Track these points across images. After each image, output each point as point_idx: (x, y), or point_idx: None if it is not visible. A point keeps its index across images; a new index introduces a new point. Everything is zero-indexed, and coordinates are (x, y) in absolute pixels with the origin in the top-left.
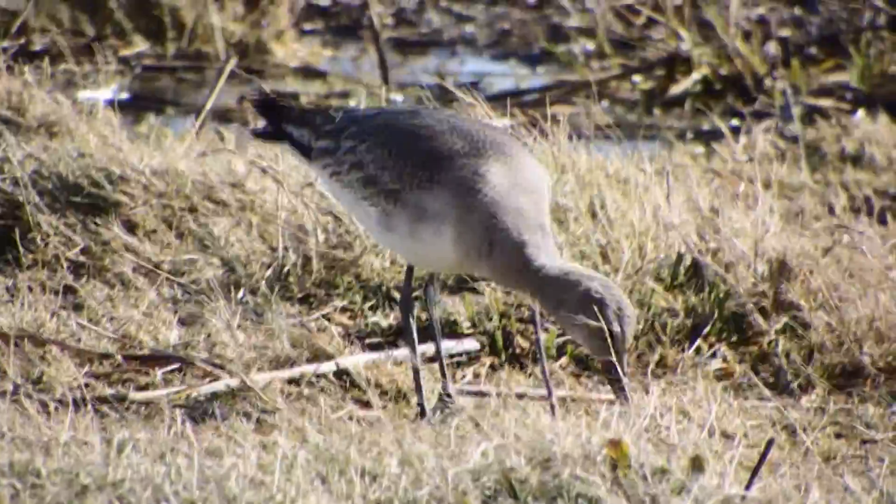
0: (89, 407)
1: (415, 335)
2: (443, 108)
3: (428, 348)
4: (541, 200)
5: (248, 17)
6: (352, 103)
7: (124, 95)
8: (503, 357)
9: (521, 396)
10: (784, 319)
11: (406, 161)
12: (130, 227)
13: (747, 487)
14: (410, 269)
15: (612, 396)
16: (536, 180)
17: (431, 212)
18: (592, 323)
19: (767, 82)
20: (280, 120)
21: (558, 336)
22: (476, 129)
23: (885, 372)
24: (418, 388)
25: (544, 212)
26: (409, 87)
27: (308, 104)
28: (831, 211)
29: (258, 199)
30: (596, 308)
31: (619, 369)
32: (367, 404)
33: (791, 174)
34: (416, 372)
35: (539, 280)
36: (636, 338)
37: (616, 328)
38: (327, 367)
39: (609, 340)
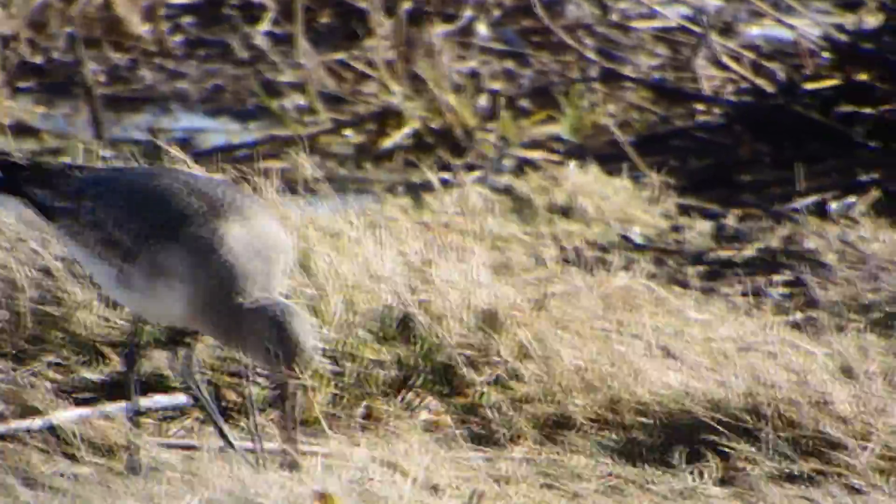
0: None
1: (133, 387)
2: (183, 169)
3: (145, 401)
4: (274, 264)
5: None
6: (66, 160)
7: None
8: None
9: (230, 449)
10: (493, 371)
11: (144, 221)
12: None
13: None
14: (136, 323)
15: (324, 449)
16: (273, 243)
17: (167, 270)
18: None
19: (478, 135)
20: (16, 177)
21: (270, 389)
22: (217, 189)
23: (594, 422)
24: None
25: (276, 276)
26: (122, 144)
27: (45, 163)
28: (542, 262)
29: None
30: (272, 324)
31: (287, 391)
32: (77, 460)
33: (502, 226)
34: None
35: (240, 317)
36: (345, 388)
37: (291, 344)
38: (37, 422)
39: (283, 359)
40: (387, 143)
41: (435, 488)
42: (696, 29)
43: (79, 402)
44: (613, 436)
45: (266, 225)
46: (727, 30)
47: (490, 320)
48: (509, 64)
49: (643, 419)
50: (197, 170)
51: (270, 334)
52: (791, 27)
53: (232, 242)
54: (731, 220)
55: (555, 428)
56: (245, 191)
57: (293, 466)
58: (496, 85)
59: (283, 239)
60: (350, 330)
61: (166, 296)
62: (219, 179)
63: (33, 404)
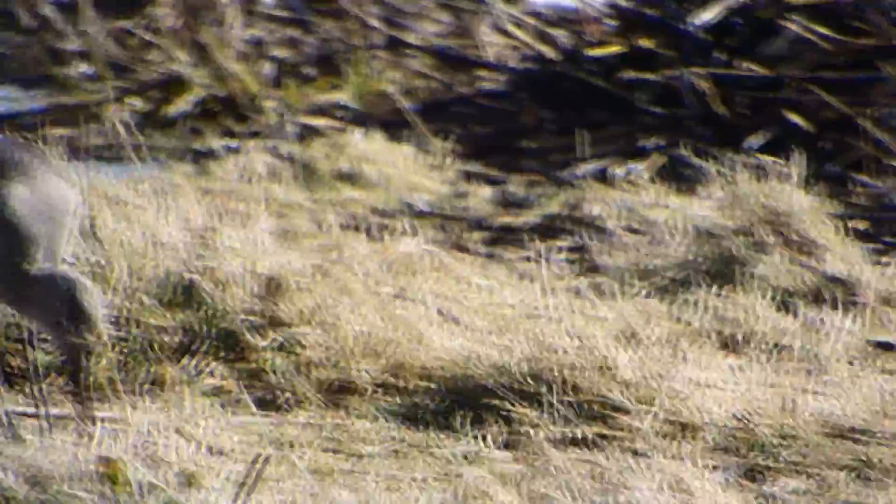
0: None
1: None
2: None
3: None
4: (61, 228)
5: None
6: None
7: None
8: None
9: (15, 415)
10: (277, 336)
11: None
12: None
13: (238, 503)
14: None
15: (109, 415)
16: (60, 204)
17: None
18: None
19: (263, 102)
20: None
21: (58, 356)
22: (4, 149)
23: (378, 387)
24: None
25: (63, 240)
26: None
27: None
28: (326, 228)
29: None
30: (60, 294)
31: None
32: None
33: (286, 193)
34: None
35: (26, 285)
36: (129, 354)
37: (80, 315)
38: None
39: (72, 328)
40: (171, 110)
41: (220, 452)
42: None
43: None
44: (397, 400)
45: (53, 186)
46: None
47: (273, 286)
48: (294, 31)
49: (426, 384)
50: None
51: (60, 305)
52: None
53: (15, 204)
54: (514, 187)
55: (339, 393)
56: (36, 151)
57: (80, 432)
58: (280, 52)
59: (71, 200)
60: (134, 296)
61: None
62: (5, 138)
63: None
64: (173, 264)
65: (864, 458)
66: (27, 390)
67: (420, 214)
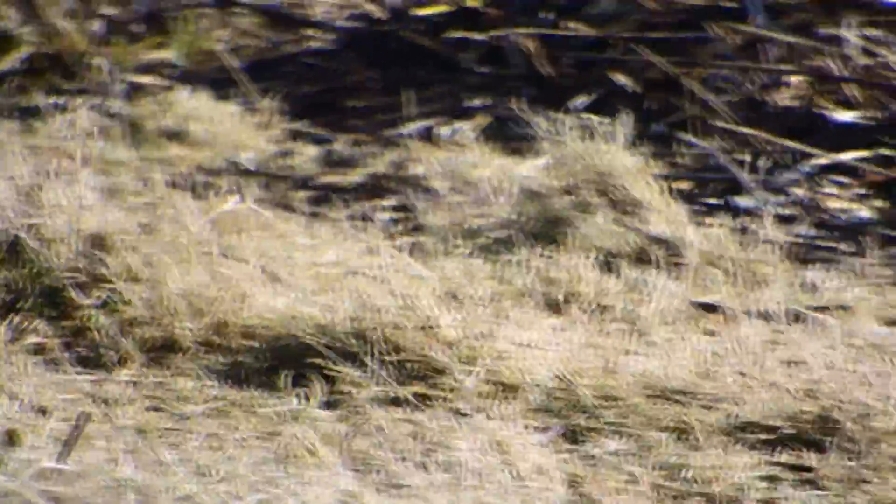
0: None
1: None
2: None
3: None
4: None
5: None
6: None
7: None
8: None
9: None
10: (101, 294)
11: None
12: None
13: (61, 460)
14: None
15: None
16: None
17: None
18: None
19: (91, 60)
20: None
21: None
22: None
23: (201, 345)
24: None
25: None
26: None
27: None
28: (151, 186)
29: None
30: None
31: None
32: None
33: (113, 150)
34: None
35: None
36: None
37: None
38: None
39: None
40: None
41: (42, 410)
42: None
43: None
44: (220, 359)
45: None
46: None
47: (98, 244)
48: None
49: (250, 343)
50: None
51: None
52: None
53: None
54: (339, 146)
55: (162, 351)
56: None
57: None
58: (109, 10)
59: None
60: None
61: None
62: None
63: None
64: None
65: (684, 419)
66: None
67: (246, 173)
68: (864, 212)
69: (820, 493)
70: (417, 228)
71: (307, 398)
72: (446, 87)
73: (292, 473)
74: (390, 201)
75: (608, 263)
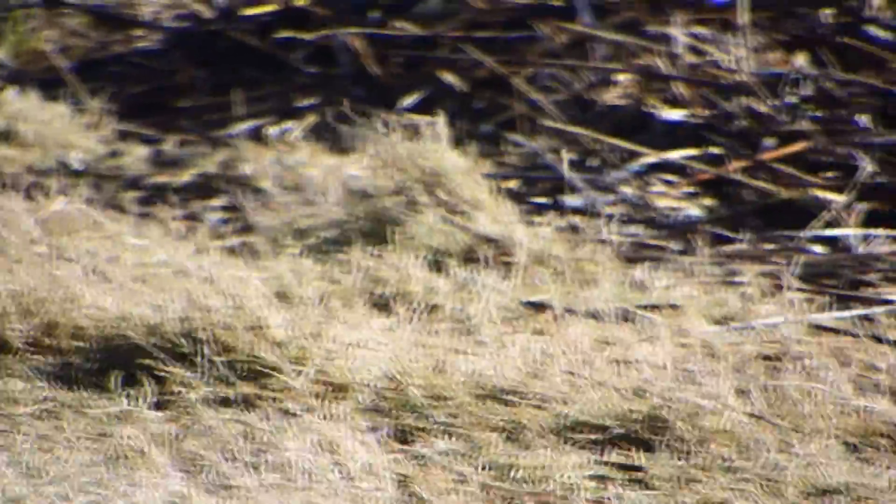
0: None
1: None
2: None
3: None
4: None
5: None
6: None
7: None
8: None
9: None
10: None
11: None
12: None
13: None
14: None
15: None
16: None
17: None
18: None
19: None
20: None
21: None
22: None
23: (31, 346)
24: None
25: None
26: None
27: None
28: None
29: None
30: None
31: None
32: None
33: None
34: None
35: None
36: None
37: None
38: None
39: None
40: None
41: None
42: None
43: None
44: (50, 360)
45: None
46: None
47: None
48: None
49: (80, 344)
50: None
51: None
52: None
53: None
54: (168, 146)
55: None
56: None
57: None
58: None
59: None
60: None
61: None
62: None
63: None
64: None
65: (514, 419)
66: None
67: (75, 173)
68: (693, 210)
69: (649, 492)
70: (247, 228)
71: (137, 399)
72: (275, 87)
73: (122, 475)
74: (220, 201)
75: (437, 263)
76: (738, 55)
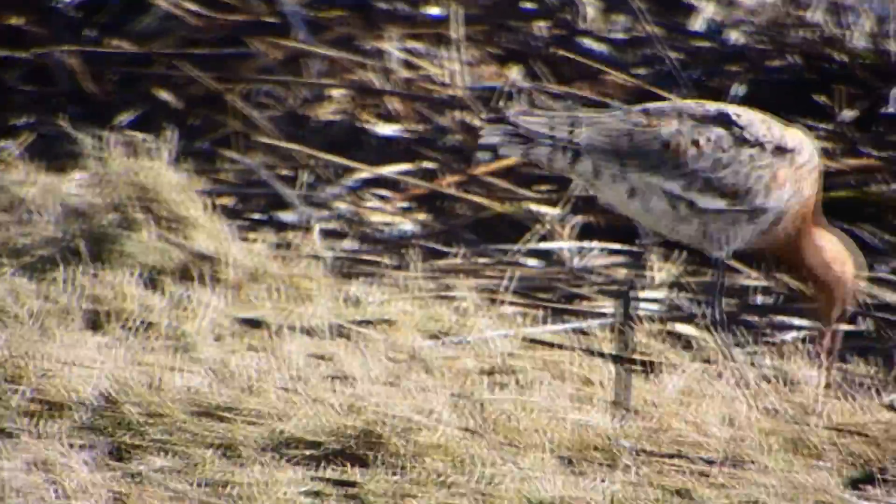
0: None
1: None
2: None
3: None
4: None
5: None
6: None
7: None
8: None
9: None
10: None
11: None
12: None
13: None
14: None
15: None
16: None
17: None
18: None
19: None
20: None
21: None
22: None
23: None
24: None
25: None
26: None
27: None
28: None
29: None
30: None
31: None
32: None
33: None
34: None
35: None
36: None
37: None
38: None
39: None
40: None
41: None
42: None
43: None
44: None
45: None
46: None
47: None
48: None
49: None
50: None
51: None
52: None
53: None
54: None
55: None
56: None
57: None
58: None
59: None
60: None
61: None
62: None
63: None
64: None
65: (230, 435)
66: None
67: None
68: (407, 225)
69: None
70: None
71: None
72: None
73: None
74: None
75: (153, 280)
76: (452, 69)
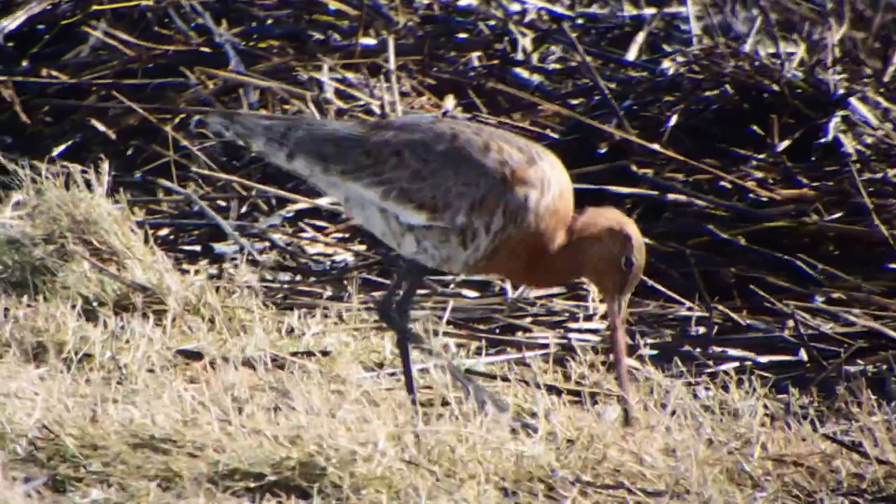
0: None
1: None
2: None
3: None
4: None
5: None
6: None
7: None
8: None
9: None
10: None
11: None
12: None
13: None
14: None
15: None
16: None
17: None
18: None
19: None
20: None
21: None
22: None
23: None
24: None
25: None
26: None
27: None
28: None
29: None
30: None
31: None
32: None
33: None
34: None
35: None
36: None
37: None
38: None
39: None
40: None
41: None
42: None
43: None
44: None
45: None
46: None
47: None
48: None
49: None
50: None
51: None
52: None
53: None
54: None
55: None
56: None
57: None
58: None
59: None
60: None
61: None
62: None
63: None
64: None
65: (170, 467)
66: None
67: None
68: (345, 255)
69: None
70: None
71: None
72: None
73: None
74: None
75: (90, 311)
76: (387, 100)
